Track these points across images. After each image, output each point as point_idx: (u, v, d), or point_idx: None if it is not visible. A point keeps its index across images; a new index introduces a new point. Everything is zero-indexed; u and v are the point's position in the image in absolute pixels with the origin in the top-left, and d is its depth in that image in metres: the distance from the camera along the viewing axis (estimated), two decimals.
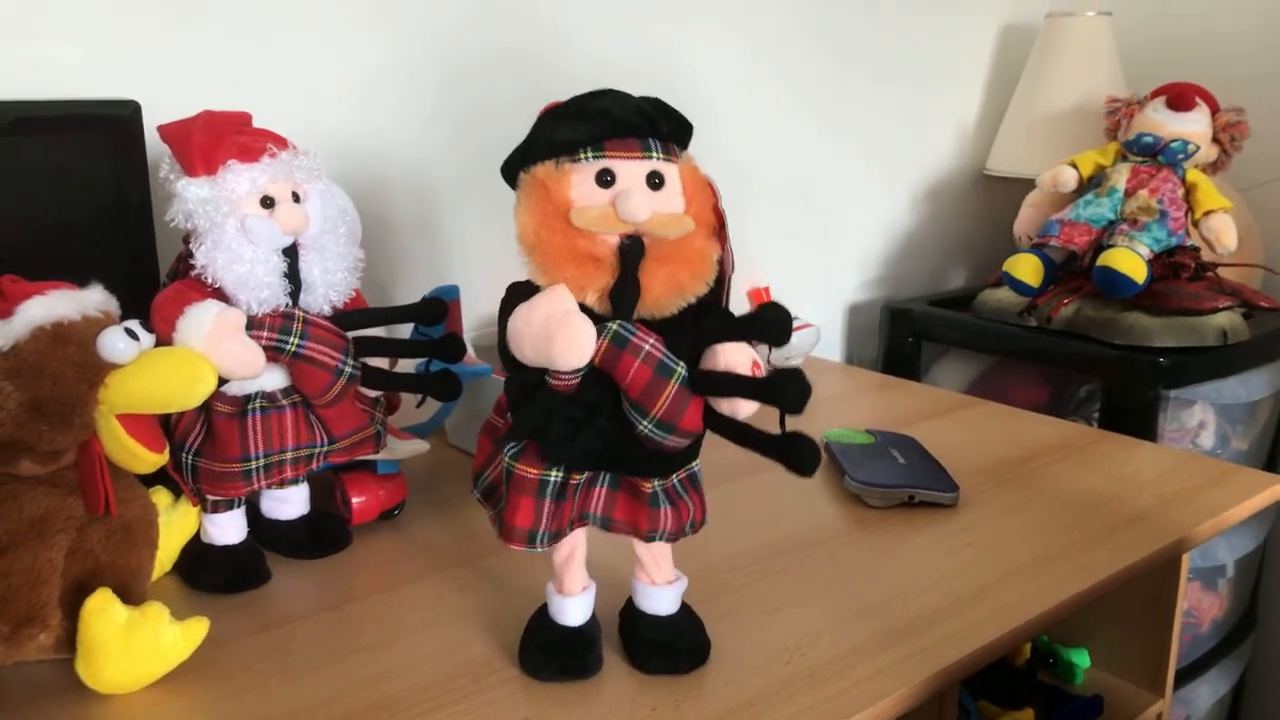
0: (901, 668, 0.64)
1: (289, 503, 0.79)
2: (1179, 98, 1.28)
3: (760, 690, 0.62)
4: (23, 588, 0.61)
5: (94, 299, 0.66)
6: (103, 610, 0.60)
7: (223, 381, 0.69)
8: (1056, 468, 0.97)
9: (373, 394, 0.80)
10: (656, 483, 0.60)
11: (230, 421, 0.72)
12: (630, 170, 0.57)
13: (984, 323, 1.38)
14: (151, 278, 0.83)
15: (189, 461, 0.72)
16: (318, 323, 0.73)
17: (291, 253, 0.72)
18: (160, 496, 0.73)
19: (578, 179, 0.57)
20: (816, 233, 1.50)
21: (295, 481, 0.78)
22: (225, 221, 0.69)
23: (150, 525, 0.69)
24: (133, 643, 0.60)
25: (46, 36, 0.87)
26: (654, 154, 0.58)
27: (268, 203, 0.70)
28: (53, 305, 0.63)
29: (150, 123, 0.72)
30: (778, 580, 0.76)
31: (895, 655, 0.66)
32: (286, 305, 0.72)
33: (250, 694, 0.62)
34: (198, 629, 0.63)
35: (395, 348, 0.80)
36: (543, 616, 0.65)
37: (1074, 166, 1.32)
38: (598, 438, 0.58)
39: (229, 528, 0.75)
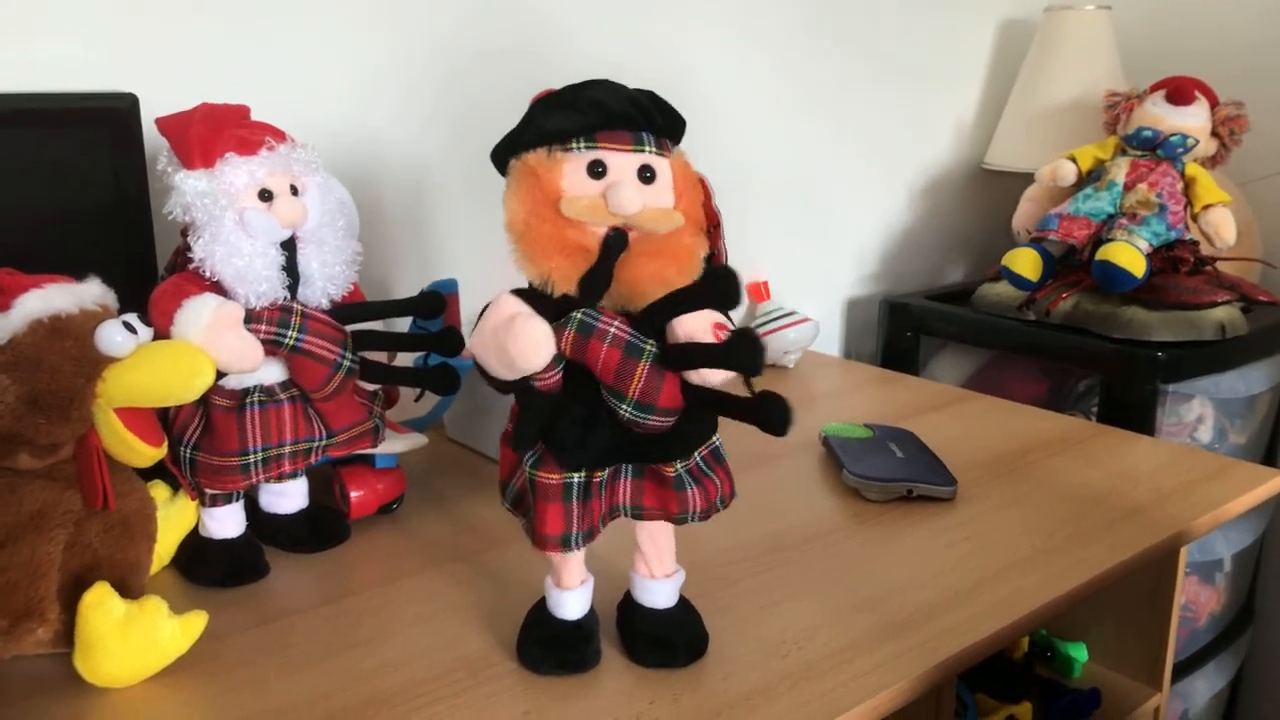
0: (899, 661, 0.64)
1: (287, 496, 0.79)
2: (1178, 91, 1.28)
3: (758, 684, 0.62)
4: (21, 582, 0.61)
5: (92, 292, 0.66)
6: (100, 604, 0.60)
7: (221, 375, 0.68)
8: (1055, 462, 0.98)
9: (371, 388, 0.80)
10: (679, 465, 0.60)
11: (228, 415, 0.72)
12: (622, 162, 0.57)
13: (982, 317, 1.38)
14: (149, 271, 0.83)
15: (187, 455, 0.72)
16: (316, 316, 0.73)
17: (290, 246, 0.72)
18: (158, 490, 0.73)
19: (569, 168, 0.56)
20: (815, 227, 1.50)
21: (293, 475, 0.78)
22: (223, 214, 0.69)
23: (148, 519, 0.69)
24: (130, 637, 0.60)
25: (48, 34, 0.86)
26: (647, 147, 0.57)
27: (266, 196, 0.70)
28: (50, 299, 0.63)
29: (149, 118, 0.72)
30: (776, 574, 0.76)
31: (893, 649, 0.66)
32: (285, 299, 0.72)
33: (248, 688, 0.62)
34: (196, 623, 0.63)
35: (393, 341, 0.80)
36: (541, 610, 0.65)
37: (1073, 160, 1.32)
38: (607, 435, 0.58)
39: (227, 521, 0.75)
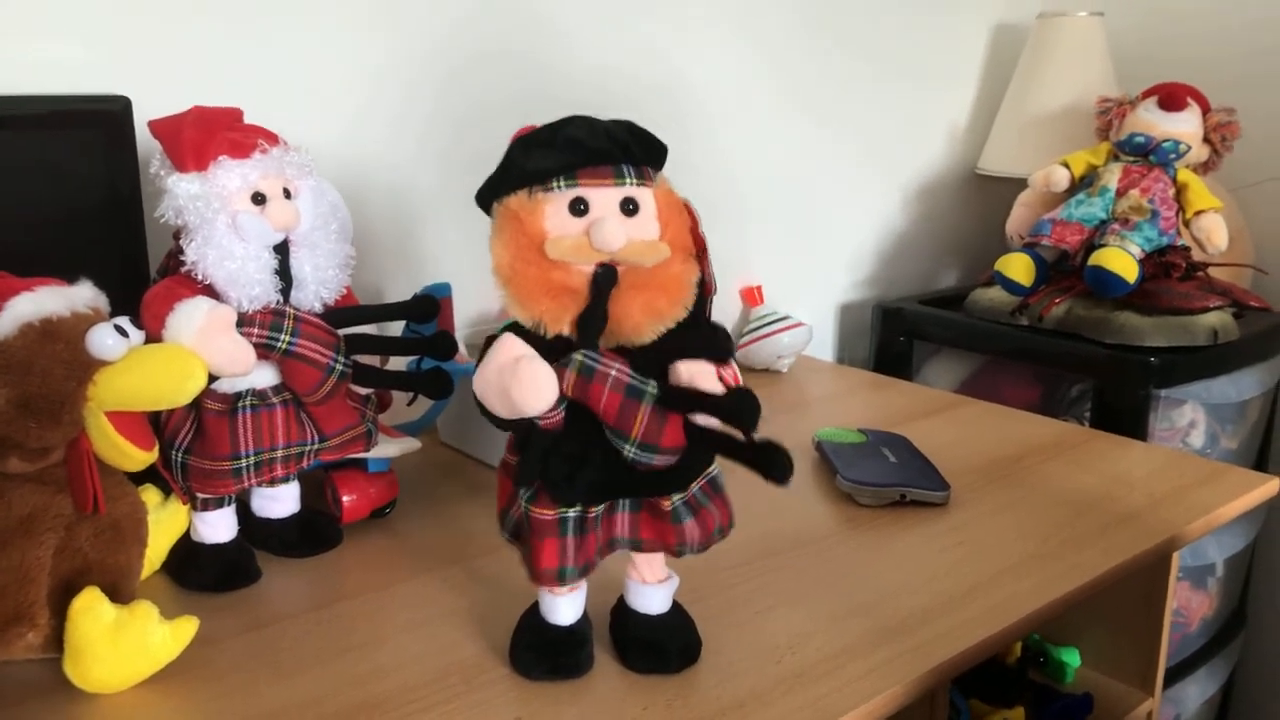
0: (892, 666, 0.64)
1: (279, 501, 0.79)
2: (1170, 98, 1.28)
3: (751, 689, 0.62)
4: (10, 586, 0.61)
5: (83, 295, 0.66)
6: (90, 609, 0.60)
7: (213, 379, 0.68)
8: (1048, 467, 0.98)
9: (364, 392, 0.79)
10: (676, 498, 0.60)
11: (220, 419, 0.72)
12: (604, 198, 0.56)
13: (976, 322, 1.38)
14: (142, 274, 0.83)
15: (179, 459, 0.72)
16: (309, 320, 0.73)
17: (282, 249, 0.72)
18: (150, 494, 0.73)
19: (551, 209, 0.56)
20: (809, 231, 1.50)
21: (286, 479, 0.77)
22: (216, 218, 0.69)
23: (139, 523, 0.68)
24: (121, 642, 0.60)
25: (46, 35, 0.86)
26: (627, 180, 0.57)
27: (259, 199, 0.70)
28: (41, 301, 0.63)
29: (145, 120, 0.72)
30: (769, 579, 0.76)
31: (886, 654, 0.66)
32: (277, 302, 0.72)
33: (240, 693, 0.61)
34: (187, 628, 0.63)
35: (386, 345, 0.80)
36: (534, 615, 0.65)
37: (1066, 166, 1.32)
38: (597, 471, 0.58)
39: (219, 526, 0.75)
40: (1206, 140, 1.29)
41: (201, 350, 0.66)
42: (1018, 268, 1.29)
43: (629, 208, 0.57)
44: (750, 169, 1.40)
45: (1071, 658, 0.99)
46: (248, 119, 0.75)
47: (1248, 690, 1.64)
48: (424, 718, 0.59)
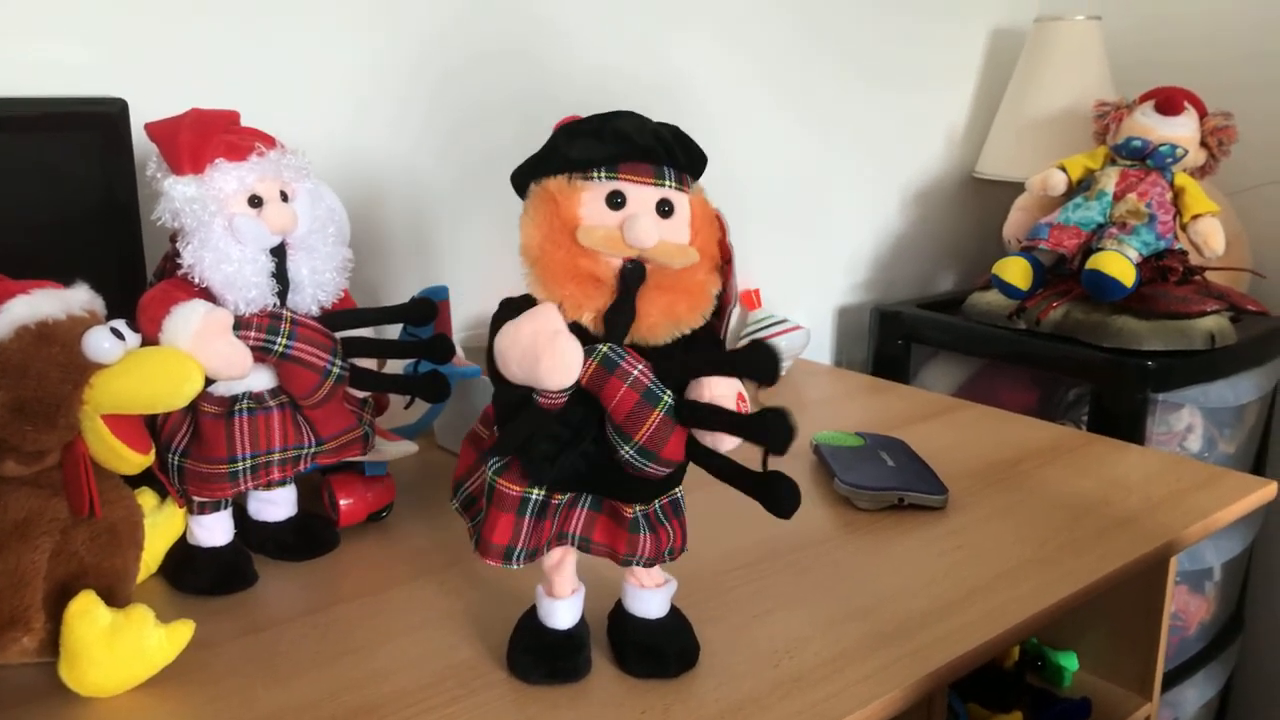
0: (891, 670, 0.64)
1: (276, 504, 0.79)
2: (1167, 102, 1.29)
3: (749, 694, 0.62)
4: (5, 590, 0.61)
5: (79, 298, 0.65)
6: (86, 613, 0.60)
7: (209, 382, 0.68)
8: (1045, 471, 0.98)
9: (361, 395, 0.79)
10: (638, 508, 0.60)
11: (217, 422, 0.71)
12: (641, 195, 0.56)
13: (973, 325, 1.38)
14: (138, 277, 0.83)
15: (175, 462, 0.72)
16: (306, 323, 0.73)
17: (279, 252, 0.72)
18: (146, 498, 0.73)
19: (588, 197, 0.56)
20: (807, 234, 1.50)
21: (282, 483, 0.77)
22: (212, 221, 0.68)
23: (135, 527, 0.68)
24: (117, 646, 0.60)
25: (45, 36, 0.86)
26: (667, 182, 0.57)
27: (255, 202, 0.70)
28: (37, 304, 0.63)
29: (142, 122, 0.72)
30: (767, 583, 0.75)
31: (884, 658, 0.65)
32: (274, 305, 0.72)
33: (236, 697, 0.61)
34: (183, 632, 0.63)
35: (383, 348, 0.80)
36: (532, 619, 0.64)
37: (1063, 170, 1.32)
38: (580, 459, 0.58)
39: (215, 529, 0.75)
40: (1204, 144, 1.30)
41: (198, 353, 0.65)
42: (1015, 271, 1.29)
43: (664, 209, 0.57)
44: (749, 171, 1.40)
45: (1069, 662, 0.99)
46: (246, 120, 0.75)
47: (1245, 694, 1.64)
48: None
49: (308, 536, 0.80)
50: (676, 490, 0.62)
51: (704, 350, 0.59)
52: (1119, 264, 1.20)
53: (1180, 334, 1.23)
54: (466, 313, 1.14)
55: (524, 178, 0.59)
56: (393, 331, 0.93)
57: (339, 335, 0.75)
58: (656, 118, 0.60)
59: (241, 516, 0.78)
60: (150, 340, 0.66)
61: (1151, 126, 1.28)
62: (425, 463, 0.96)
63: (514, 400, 0.57)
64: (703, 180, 0.61)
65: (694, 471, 0.63)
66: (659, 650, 0.64)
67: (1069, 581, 0.76)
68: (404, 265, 1.12)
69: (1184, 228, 1.27)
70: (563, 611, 0.63)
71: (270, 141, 0.72)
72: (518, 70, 1.15)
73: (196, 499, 0.73)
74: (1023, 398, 1.38)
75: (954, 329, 1.40)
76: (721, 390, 0.57)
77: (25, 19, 0.85)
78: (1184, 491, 0.92)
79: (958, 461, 0.99)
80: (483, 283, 1.17)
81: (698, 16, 1.30)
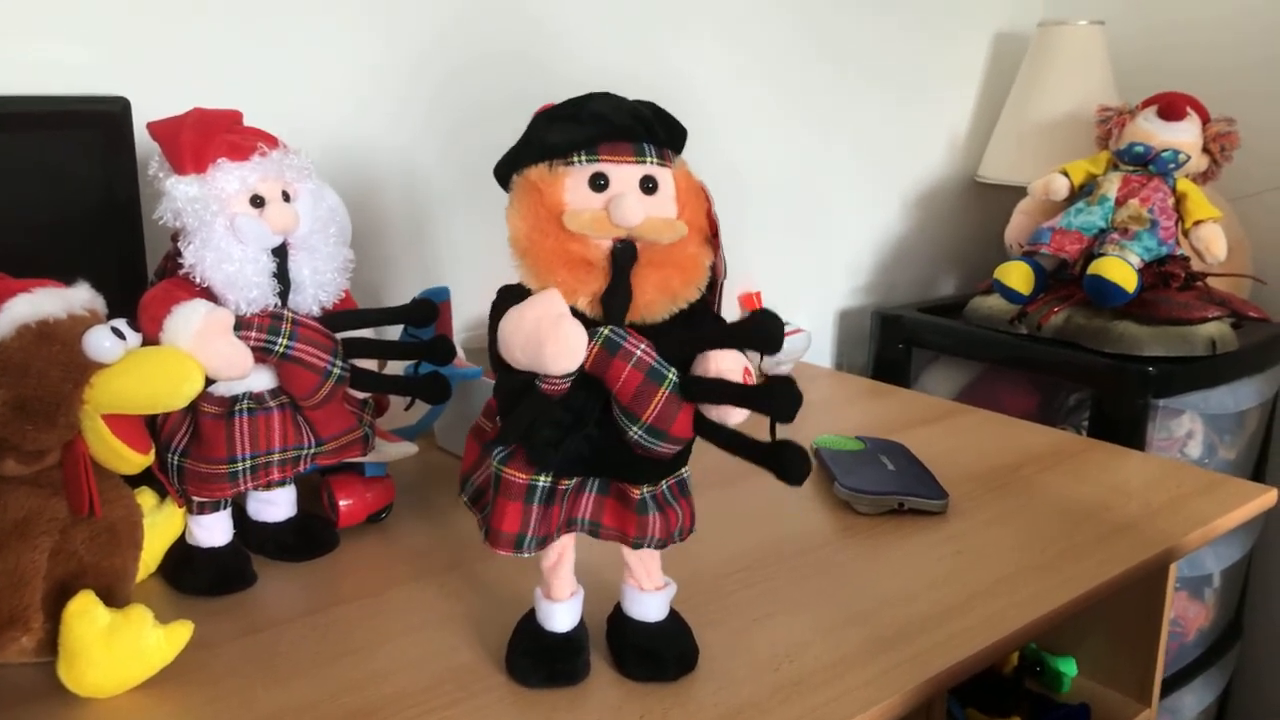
0: (890, 676, 0.64)
1: (275, 505, 0.79)
2: (1170, 107, 1.29)
3: (749, 698, 0.62)
4: (5, 589, 0.61)
5: (80, 297, 0.65)
6: (85, 613, 0.60)
7: (210, 382, 0.68)
8: (1046, 476, 0.98)
9: (361, 396, 0.79)
10: (645, 489, 0.60)
11: (217, 422, 0.71)
12: (624, 174, 0.56)
13: (974, 330, 1.38)
14: (139, 276, 0.83)
15: (175, 462, 0.72)
16: (306, 323, 0.73)
17: (281, 252, 0.72)
18: (145, 497, 0.73)
19: (571, 182, 0.56)
20: (808, 238, 1.50)
21: (282, 483, 0.77)
22: (214, 220, 0.68)
23: (135, 527, 0.68)
24: (115, 646, 0.60)
25: (46, 36, 0.86)
26: (648, 158, 0.57)
27: (257, 202, 0.70)
28: (38, 303, 0.63)
29: (144, 121, 0.72)
30: (767, 587, 0.75)
31: (884, 663, 0.65)
32: (275, 305, 0.72)
33: (235, 698, 0.61)
34: (182, 632, 0.63)
35: (384, 349, 0.80)
36: (530, 622, 0.64)
37: (1065, 175, 1.32)
38: (584, 443, 0.58)
39: (215, 529, 0.75)
40: (1206, 150, 1.30)
41: (199, 353, 0.65)
42: (1017, 276, 1.29)
43: (648, 186, 0.57)
44: (750, 174, 1.40)
45: (1068, 667, 0.99)
46: (247, 120, 0.75)
47: (1244, 700, 1.63)
48: None
49: (307, 537, 0.80)
50: (684, 470, 0.62)
51: (707, 325, 0.59)
52: (1121, 269, 1.20)
53: (1181, 340, 1.22)
54: (467, 314, 1.14)
55: (506, 170, 0.59)
56: (393, 332, 0.93)
57: (340, 336, 0.75)
58: None
59: (241, 517, 0.78)
60: (151, 340, 0.66)
61: (1154, 132, 1.28)
62: (425, 464, 0.96)
63: (516, 387, 0.57)
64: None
65: (694, 471, 0.63)
66: (658, 654, 0.64)
67: (1069, 587, 0.76)
68: (405, 266, 1.12)
69: (1186, 233, 1.27)
70: (561, 614, 0.63)
71: (272, 141, 0.72)
72: (518, 70, 1.14)
73: (196, 499, 0.73)
74: (1023, 403, 1.38)
75: (955, 333, 1.40)
76: (728, 364, 0.56)
77: (27, 19, 0.85)
78: (1184, 498, 0.92)
79: (958, 466, 0.99)
80: (484, 284, 1.16)
81: (697, 17, 1.30)
